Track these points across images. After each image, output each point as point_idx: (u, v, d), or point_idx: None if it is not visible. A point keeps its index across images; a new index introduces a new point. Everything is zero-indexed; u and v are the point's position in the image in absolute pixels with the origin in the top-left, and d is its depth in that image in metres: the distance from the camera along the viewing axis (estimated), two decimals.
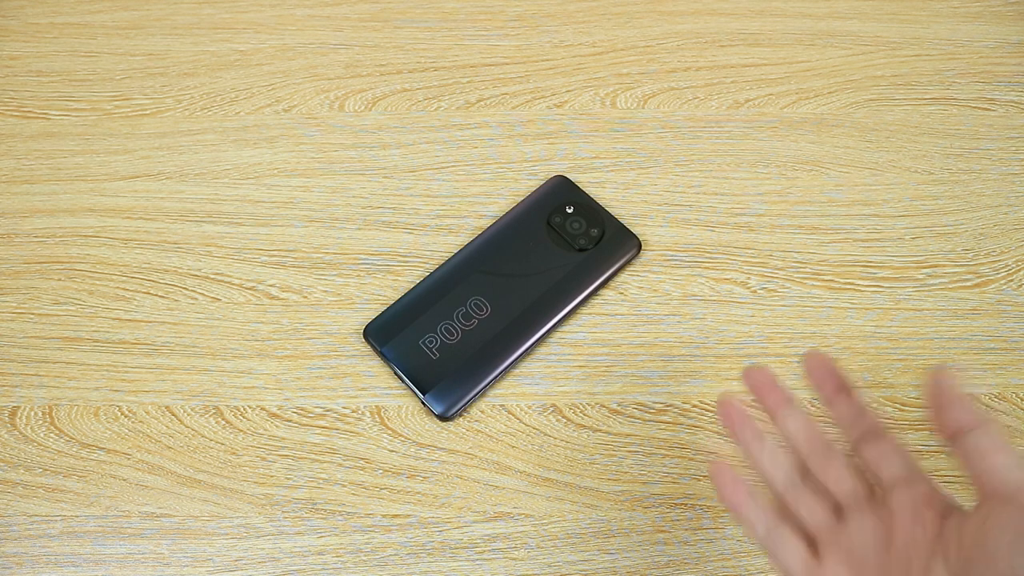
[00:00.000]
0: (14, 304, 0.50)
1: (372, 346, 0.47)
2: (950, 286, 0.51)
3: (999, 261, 0.52)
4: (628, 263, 0.51)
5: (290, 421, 0.46)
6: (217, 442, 0.46)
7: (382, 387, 0.47)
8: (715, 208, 0.53)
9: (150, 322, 0.49)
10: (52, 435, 0.46)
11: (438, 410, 0.45)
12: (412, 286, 0.49)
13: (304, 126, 0.57)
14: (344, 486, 0.45)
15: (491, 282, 0.49)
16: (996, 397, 0.47)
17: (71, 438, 0.46)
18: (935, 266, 0.52)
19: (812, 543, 0.32)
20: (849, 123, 0.57)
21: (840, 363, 0.33)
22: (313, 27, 0.61)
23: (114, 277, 0.51)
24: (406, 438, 0.46)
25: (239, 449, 0.46)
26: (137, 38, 0.61)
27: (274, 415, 0.47)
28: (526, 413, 0.47)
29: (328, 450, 0.46)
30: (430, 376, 0.46)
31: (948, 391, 0.31)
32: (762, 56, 0.60)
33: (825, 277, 0.51)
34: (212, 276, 0.51)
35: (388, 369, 0.47)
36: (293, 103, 0.58)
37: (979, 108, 0.58)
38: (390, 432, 0.46)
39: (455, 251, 0.51)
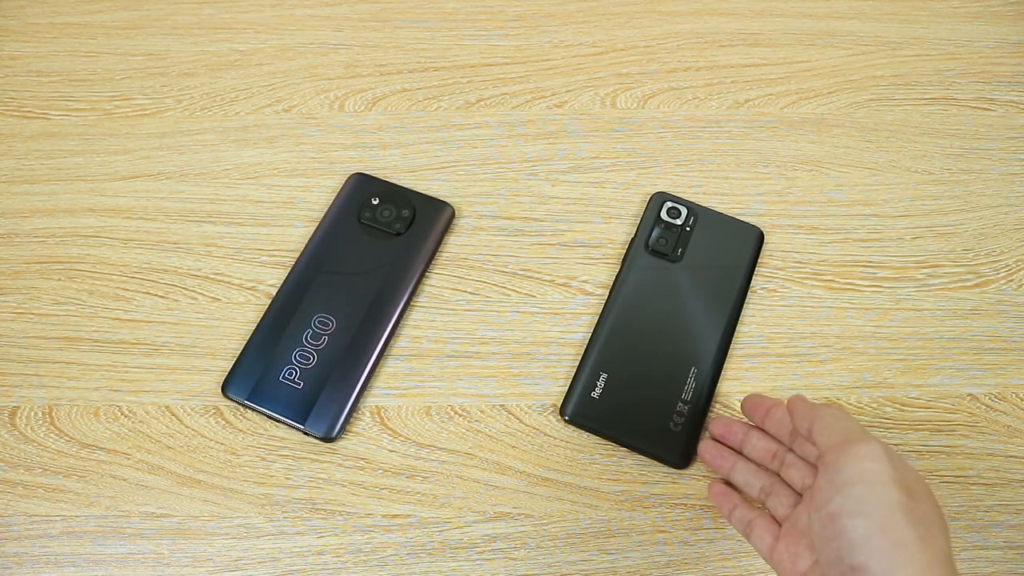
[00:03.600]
0: (14, 304, 0.50)
1: (235, 400, 0.46)
2: (950, 286, 0.51)
3: (999, 261, 0.52)
4: (447, 229, 0.52)
5: None
6: (217, 442, 0.46)
7: (382, 387, 0.47)
8: (715, 208, 0.53)
9: (150, 322, 0.49)
10: (52, 435, 0.46)
11: (321, 433, 0.45)
12: (252, 329, 0.48)
13: (304, 126, 0.57)
14: (344, 486, 0.45)
15: (327, 296, 0.48)
16: (996, 397, 0.47)
17: (71, 438, 0.46)
18: (935, 266, 0.52)
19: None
20: (849, 123, 0.57)
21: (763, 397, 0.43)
22: (313, 27, 0.61)
23: (114, 277, 0.51)
24: (406, 438, 0.46)
25: (239, 449, 0.46)
26: (137, 38, 0.61)
27: None
28: (526, 413, 0.47)
29: (328, 450, 0.46)
30: (302, 406, 0.45)
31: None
32: (762, 56, 0.60)
33: (825, 277, 0.51)
34: (212, 276, 0.51)
35: (261, 415, 0.46)
36: (293, 103, 0.58)
37: (979, 108, 0.58)
38: (390, 432, 0.46)
39: (280, 282, 0.50)
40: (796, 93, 0.58)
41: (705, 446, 0.43)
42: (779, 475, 0.40)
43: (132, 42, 0.60)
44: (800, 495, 0.39)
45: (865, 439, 0.34)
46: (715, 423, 0.44)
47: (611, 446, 0.46)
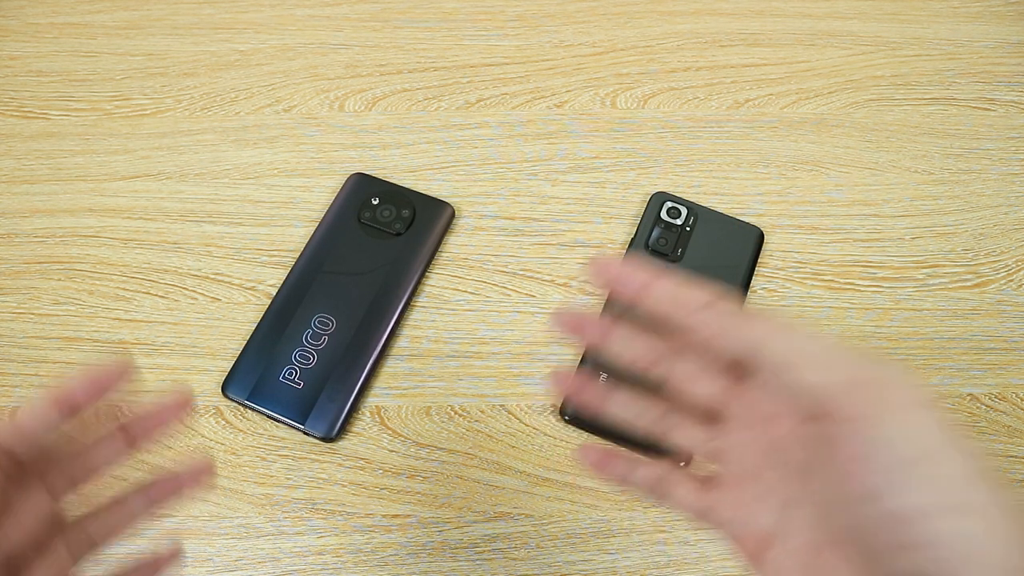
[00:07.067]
0: (14, 304, 0.50)
1: (235, 400, 0.46)
2: (950, 286, 0.51)
3: (999, 261, 0.52)
4: (447, 229, 0.52)
5: None
6: (217, 442, 0.46)
7: (382, 387, 0.47)
8: (715, 208, 0.53)
9: (150, 322, 0.49)
10: None
11: (321, 433, 0.45)
12: (252, 329, 0.48)
13: (304, 126, 0.57)
14: (344, 486, 0.45)
15: (327, 297, 0.48)
16: (996, 397, 0.47)
17: None
18: (935, 266, 0.52)
19: (706, 417, 0.29)
20: (849, 123, 0.57)
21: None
22: (313, 27, 0.61)
23: (114, 277, 0.51)
24: (406, 438, 0.46)
25: (239, 449, 0.46)
26: (137, 38, 0.61)
27: None
28: (526, 413, 0.47)
29: (328, 450, 0.46)
30: (303, 406, 0.45)
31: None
32: (762, 56, 0.60)
33: (825, 277, 0.51)
34: (212, 276, 0.51)
35: (261, 415, 0.46)
36: (293, 103, 0.58)
37: (979, 108, 0.58)
38: (390, 432, 0.46)
39: (280, 282, 0.50)
40: (796, 93, 0.58)
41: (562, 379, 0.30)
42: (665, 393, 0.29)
43: (132, 42, 0.60)
44: (710, 413, 0.28)
45: (886, 370, 0.24)
46: (558, 315, 0.30)
47: (611, 446, 0.46)
